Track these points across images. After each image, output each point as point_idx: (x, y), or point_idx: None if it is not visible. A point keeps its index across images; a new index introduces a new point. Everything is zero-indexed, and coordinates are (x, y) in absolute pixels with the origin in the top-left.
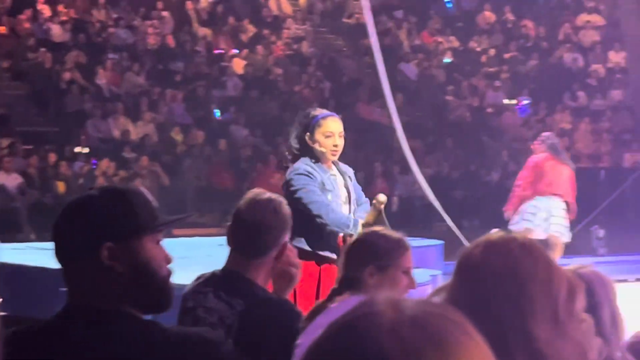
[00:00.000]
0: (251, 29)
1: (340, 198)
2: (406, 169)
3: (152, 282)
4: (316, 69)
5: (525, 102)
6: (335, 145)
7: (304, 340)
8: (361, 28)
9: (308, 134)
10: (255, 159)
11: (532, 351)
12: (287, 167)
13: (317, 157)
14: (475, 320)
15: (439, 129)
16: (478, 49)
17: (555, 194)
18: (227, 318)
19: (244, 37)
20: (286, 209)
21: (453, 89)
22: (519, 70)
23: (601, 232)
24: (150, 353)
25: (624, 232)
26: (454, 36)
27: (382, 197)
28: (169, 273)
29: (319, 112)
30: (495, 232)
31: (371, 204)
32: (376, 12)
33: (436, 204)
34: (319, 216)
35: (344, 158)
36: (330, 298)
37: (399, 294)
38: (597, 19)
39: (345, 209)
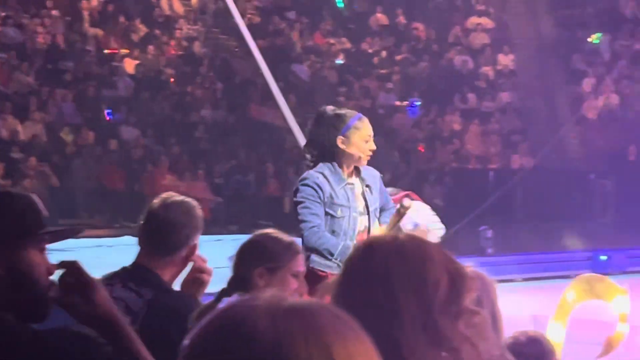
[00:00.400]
0: (142, 29)
1: (357, 209)
2: (301, 169)
3: (29, 291)
4: (208, 70)
5: (416, 103)
6: (371, 150)
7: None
8: (254, 28)
9: (341, 137)
10: (147, 160)
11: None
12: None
13: (340, 162)
14: None
15: None
16: (370, 51)
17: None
18: (134, 306)
19: (135, 37)
20: (198, 211)
21: (345, 90)
22: (410, 72)
23: (489, 233)
24: (15, 356)
25: (512, 233)
26: (346, 37)
27: (407, 202)
28: (49, 284)
29: (350, 112)
30: (380, 234)
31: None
32: (268, 12)
33: None
34: (302, 236)
35: (237, 158)
36: (219, 298)
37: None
38: (486, 22)
39: (363, 221)
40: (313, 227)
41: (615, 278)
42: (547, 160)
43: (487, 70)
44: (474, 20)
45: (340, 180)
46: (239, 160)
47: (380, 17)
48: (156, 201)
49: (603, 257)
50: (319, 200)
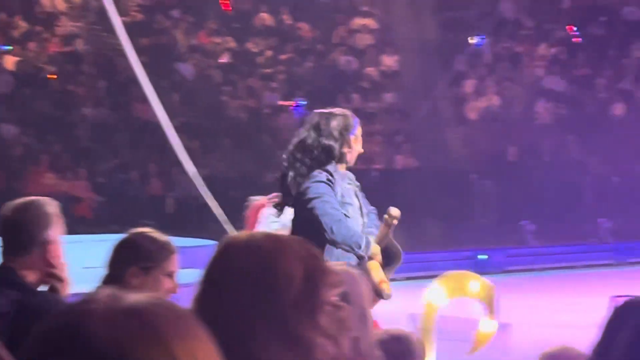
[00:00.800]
0: (23, 25)
1: (358, 210)
2: (182, 172)
3: None
4: (91, 67)
5: (301, 103)
6: None
7: None
8: (137, 26)
9: (353, 135)
10: (27, 159)
11: None
12: (294, 178)
13: (344, 162)
14: (208, 326)
15: (216, 130)
16: (255, 50)
17: None
18: (0, 307)
19: (16, 33)
20: (49, 208)
21: (230, 89)
22: (295, 72)
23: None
24: None
25: (393, 232)
26: (231, 37)
27: (394, 212)
28: None
29: (341, 110)
30: (240, 233)
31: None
32: (152, 10)
33: (212, 203)
34: (331, 231)
35: (119, 157)
36: None
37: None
38: (370, 23)
39: (361, 222)
40: (340, 219)
41: (494, 277)
42: (429, 160)
43: (371, 71)
44: (358, 21)
45: (343, 178)
46: (122, 159)
47: (265, 17)
48: (8, 204)
49: (483, 256)
50: (334, 197)
